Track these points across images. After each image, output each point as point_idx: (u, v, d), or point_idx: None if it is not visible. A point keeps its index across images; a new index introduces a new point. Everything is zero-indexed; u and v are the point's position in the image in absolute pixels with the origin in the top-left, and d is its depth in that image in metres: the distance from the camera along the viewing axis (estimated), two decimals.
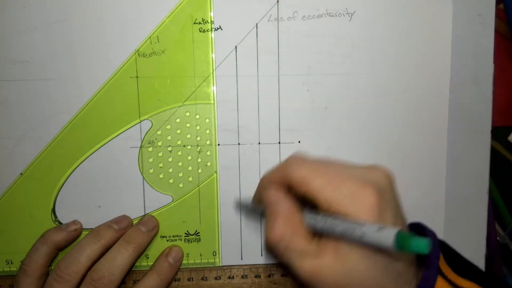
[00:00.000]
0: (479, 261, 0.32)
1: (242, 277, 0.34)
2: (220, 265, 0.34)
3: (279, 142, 0.34)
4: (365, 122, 0.34)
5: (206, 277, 0.34)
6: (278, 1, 0.32)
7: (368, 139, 0.34)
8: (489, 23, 0.31)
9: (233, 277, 0.34)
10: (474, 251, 0.33)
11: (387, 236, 0.20)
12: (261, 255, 0.34)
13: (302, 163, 0.25)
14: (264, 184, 0.27)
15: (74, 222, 0.33)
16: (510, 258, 0.37)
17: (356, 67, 0.33)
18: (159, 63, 0.32)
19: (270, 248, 0.26)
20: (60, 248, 0.32)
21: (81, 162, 0.33)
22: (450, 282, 0.26)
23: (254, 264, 0.34)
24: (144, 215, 0.33)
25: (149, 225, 0.32)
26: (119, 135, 0.33)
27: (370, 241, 0.21)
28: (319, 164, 0.25)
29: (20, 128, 0.32)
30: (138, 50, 0.32)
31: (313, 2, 0.33)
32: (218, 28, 0.32)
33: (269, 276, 0.34)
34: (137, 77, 0.32)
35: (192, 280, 0.34)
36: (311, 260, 0.24)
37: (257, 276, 0.34)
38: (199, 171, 0.33)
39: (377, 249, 0.23)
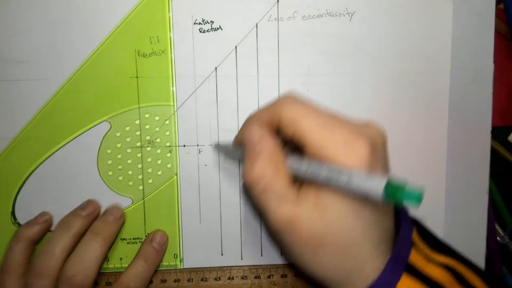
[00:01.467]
0: (479, 261, 0.32)
1: (242, 278, 0.34)
2: (220, 265, 0.34)
3: None
4: None
5: (206, 278, 0.34)
6: (278, 1, 0.32)
7: None
8: (489, 23, 0.31)
9: (233, 278, 0.34)
10: (474, 251, 0.33)
11: (377, 184, 0.18)
12: (261, 256, 0.34)
13: (295, 102, 0.23)
14: (249, 123, 0.25)
15: (42, 213, 0.32)
16: (510, 258, 0.37)
17: (356, 67, 0.33)
18: (159, 62, 0.32)
19: (247, 189, 0.23)
20: (36, 242, 0.31)
21: (39, 164, 0.32)
22: (424, 255, 0.24)
23: (254, 265, 0.34)
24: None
25: (116, 214, 0.32)
26: (78, 137, 0.32)
27: (357, 188, 0.19)
28: (313, 106, 0.23)
29: None
30: (138, 50, 0.32)
31: (313, 2, 0.32)
32: (218, 28, 0.32)
33: (269, 277, 0.34)
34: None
35: (192, 281, 0.34)
36: (289, 206, 0.22)
37: (257, 277, 0.34)
38: (159, 173, 0.33)
39: (362, 201, 0.21)
